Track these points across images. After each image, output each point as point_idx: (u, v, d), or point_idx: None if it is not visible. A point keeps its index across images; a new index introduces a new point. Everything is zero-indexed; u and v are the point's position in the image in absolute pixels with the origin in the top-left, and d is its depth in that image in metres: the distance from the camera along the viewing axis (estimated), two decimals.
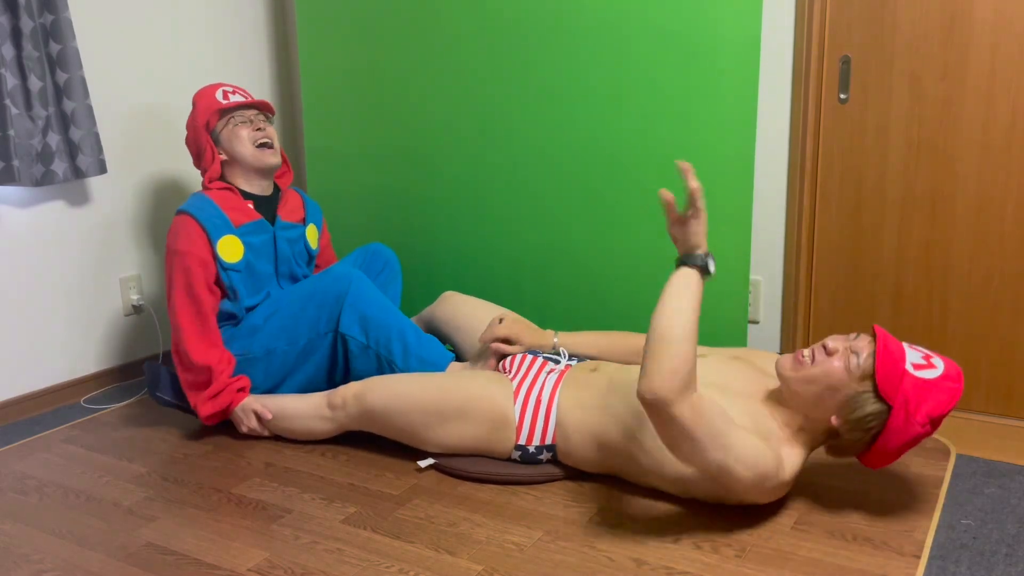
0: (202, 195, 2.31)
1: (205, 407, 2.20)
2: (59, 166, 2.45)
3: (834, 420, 1.66)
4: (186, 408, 2.31)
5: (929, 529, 1.71)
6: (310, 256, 2.53)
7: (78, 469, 2.14)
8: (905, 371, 1.62)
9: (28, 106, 2.39)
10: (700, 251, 1.62)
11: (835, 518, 1.76)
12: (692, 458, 1.58)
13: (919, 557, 1.61)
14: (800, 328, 2.58)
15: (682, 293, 1.57)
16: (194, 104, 2.38)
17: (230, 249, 2.29)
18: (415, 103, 2.69)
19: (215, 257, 2.26)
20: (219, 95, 2.36)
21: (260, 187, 2.40)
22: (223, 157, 2.36)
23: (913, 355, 1.66)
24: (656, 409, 1.52)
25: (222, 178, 2.39)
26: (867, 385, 1.63)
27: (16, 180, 2.34)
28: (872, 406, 1.63)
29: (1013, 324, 2.29)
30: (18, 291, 2.51)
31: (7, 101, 2.31)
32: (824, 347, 1.68)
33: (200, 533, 1.79)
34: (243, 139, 2.35)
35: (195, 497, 1.96)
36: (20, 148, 2.36)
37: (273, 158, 2.38)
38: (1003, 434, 2.21)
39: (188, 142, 2.41)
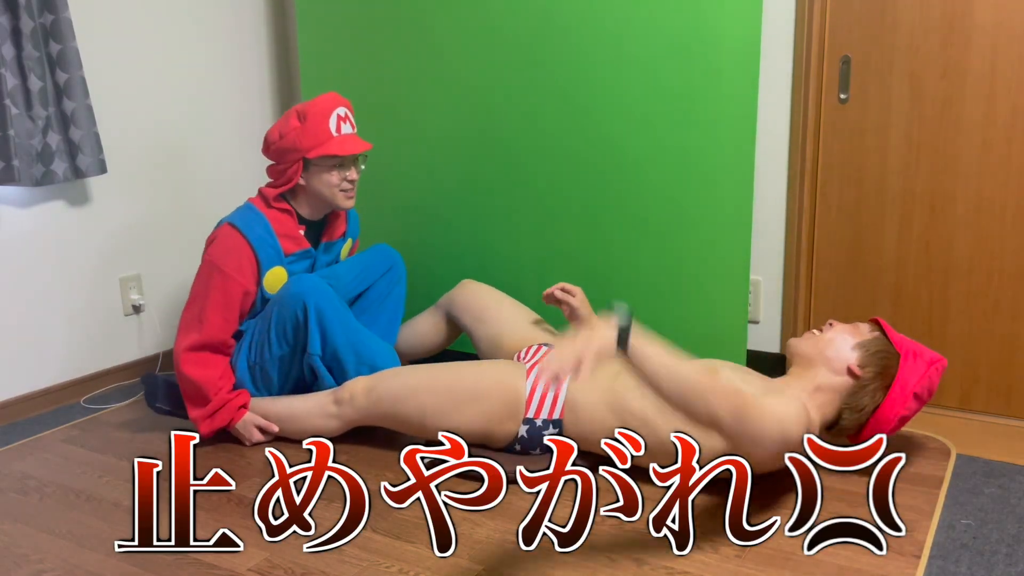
0: (258, 212, 2.22)
1: (204, 425, 2.17)
2: (59, 166, 2.45)
3: (853, 362, 1.87)
4: (185, 415, 2.30)
5: (929, 529, 1.71)
6: None
7: (78, 469, 2.14)
8: (903, 336, 1.95)
9: (28, 106, 2.39)
10: (615, 324, 1.50)
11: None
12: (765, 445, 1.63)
13: (919, 557, 1.61)
14: (800, 328, 2.58)
15: (654, 353, 1.51)
16: (305, 115, 2.18)
17: (275, 281, 2.25)
18: (415, 103, 2.69)
19: (259, 286, 2.22)
20: (333, 125, 2.19)
21: (317, 215, 2.33)
22: (301, 183, 2.24)
23: None
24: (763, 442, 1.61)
25: (286, 195, 2.28)
26: (878, 332, 1.93)
27: (16, 180, 2.34)
28: (885, 345, 1.89)
29: (1013, 324, 2.29)
30: (18, 291, 2.51)
31: (7, 101, 2.31)
32: (830, 324, 1.95)
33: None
34: (332, 184, 2.23)
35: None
36: (20, 148, 2.36)
37: (348, 202, 2.28)
38: (1003, 434, 2.21)
39: (276, 146, 2.22)
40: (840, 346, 1.89)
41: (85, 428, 2.42)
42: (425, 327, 2.53)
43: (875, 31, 2.34)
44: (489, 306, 2.37)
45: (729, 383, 1.57)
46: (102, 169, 2.53)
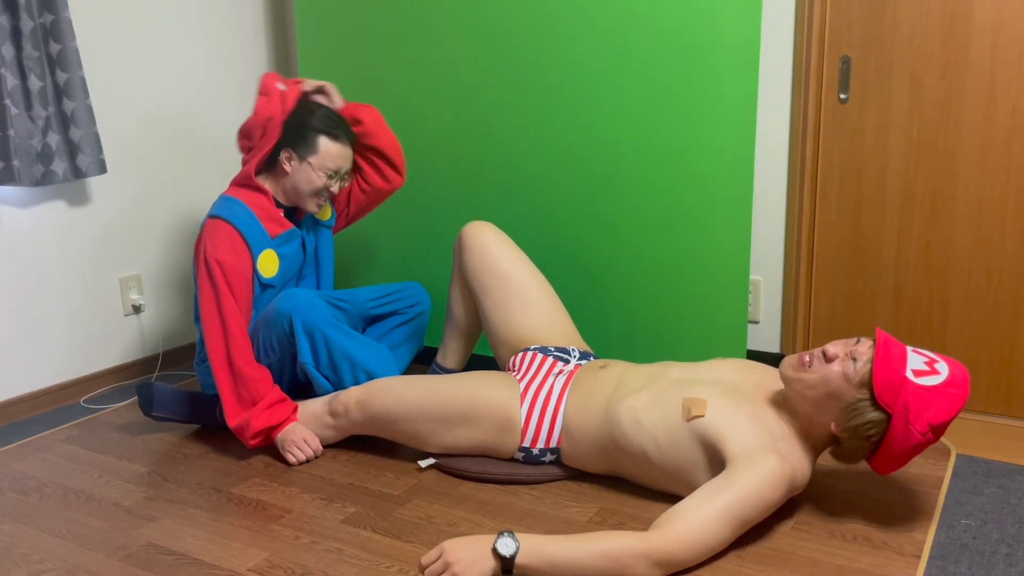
0: (236, 200, 2.20)
1: (259, 419, 2.06)
2: (59, 166, 2.45)
3: (833, 427, 1.66)
4: (183, 420, 2.29)
5: (929, 529, 1.71)
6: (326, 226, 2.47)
7: (78, 469, 2.14)
8: (905, 378, 1.59)
9: (28, 106, 2.39)
10: (493, 557, 1.48)
11: (835, 518, 1.76)
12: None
13: (919, 557, 1.61)
14: (800, 328, 2.58)
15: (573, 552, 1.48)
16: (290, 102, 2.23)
17: (268, 264, 2.23)
18: (414, 104, 2.69)
19: (255, 272, 2.20)
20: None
21: (288, 203, 2.31)
22: (287, 169, 2.22)
23: (915, 360, 1.63)
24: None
25: (259, 173, 2.25)
26: (865, 393, 1.62)
27: (16, 180, 2.34)
28: (871, 414, 1.61)
29: (1013, 324, 2.29)
30: (18, 291, 2.51)
31: (7, 101, 2.31)
32: (824, 353, 1.66)
33: (200, 533, 1.79)
34: (313, 183, 2.22)
35: (195, 497, 1.96)
36: (20, 148, 2.36)
37: (315, 209, 2.27)
38: (1003, 434, 2.21)
39: (255, 123, 2.22)
40: (824, 403, 1.66)
41: (85, 428, 2.42)
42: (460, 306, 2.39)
43: (875, 31, 2.34)
44: (501, 278, 2.20)
45: (683, 533, 1.52)
46: (102, 169, 2.53)
